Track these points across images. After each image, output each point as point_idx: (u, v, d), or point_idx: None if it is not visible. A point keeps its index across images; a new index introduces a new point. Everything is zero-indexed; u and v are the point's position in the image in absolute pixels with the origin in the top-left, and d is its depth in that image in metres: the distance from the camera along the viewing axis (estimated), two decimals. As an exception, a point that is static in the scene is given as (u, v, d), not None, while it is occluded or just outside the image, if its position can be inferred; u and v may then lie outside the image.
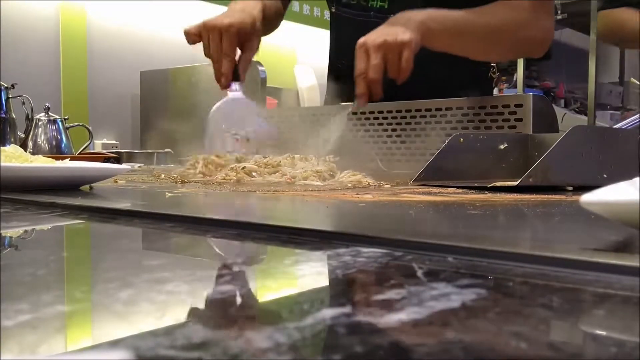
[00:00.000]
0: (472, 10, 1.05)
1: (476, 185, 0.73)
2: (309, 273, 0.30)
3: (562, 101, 4.42)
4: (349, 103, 1.14)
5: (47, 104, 1.75)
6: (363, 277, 0.28)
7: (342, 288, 0.27)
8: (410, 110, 1.12)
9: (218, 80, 1.05)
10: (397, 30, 0.94)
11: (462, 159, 0.85)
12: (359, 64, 0.94)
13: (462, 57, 1.07)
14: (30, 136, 1.70)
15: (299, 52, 3.45)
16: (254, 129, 1.11)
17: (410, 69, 0.93)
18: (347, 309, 0.22)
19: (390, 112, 1.15)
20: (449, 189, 0.73)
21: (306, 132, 1.12)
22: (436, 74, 1.09)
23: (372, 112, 1.16)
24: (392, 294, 0.24)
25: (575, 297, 0.26)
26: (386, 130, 1.15)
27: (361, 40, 0.95)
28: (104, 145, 2.32)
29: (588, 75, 3.52)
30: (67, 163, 0.75)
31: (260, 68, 1.97)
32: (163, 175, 0.97)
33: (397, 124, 1.14)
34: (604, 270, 0.27)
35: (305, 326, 0.20)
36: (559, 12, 3.83)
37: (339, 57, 1.30)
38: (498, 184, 0.73)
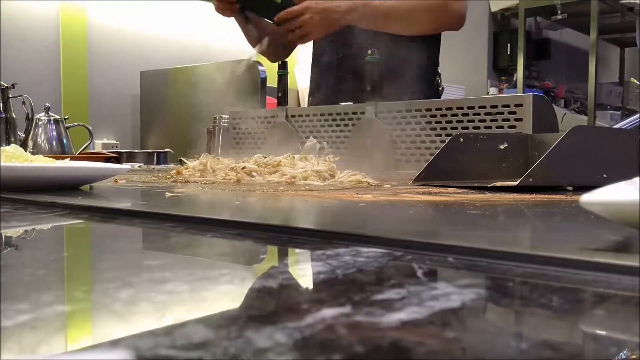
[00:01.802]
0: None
1: (476, 185, 0.73)
2: (309, 273, 0.30)
3: (562, 101, 4.42)
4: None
5: (47, 104, 1.75)
6: (363, 277, 0.28)
7: (342, 288, 0.27)
8: (410, 110, 1.12)
9: None
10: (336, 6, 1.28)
11: (462, 159, 0.85)
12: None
13: (408, 59, 1.31)
14: (30, 136, 1.70)
15: (299, 53, 3.44)
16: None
17: (306, 34, 1.27)
18: (346, 309, 0.22)
19: (390, 112, 1.15)
20: (449, 189, 0.73)
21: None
22: (381, 74, 1.22)
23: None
24: (392, 294, 0.24)
25: (575, 297, 0.26)
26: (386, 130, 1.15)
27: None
28: (104, 145, 2.32)
29: (588, 75, 3.53)
30: (67, 163, 0.75)
31: (260, 68, 1.97)
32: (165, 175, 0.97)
33: (397, 123, 1.14)
34: (604, 270, 0.27)
35: (305, 326, 0.20)
36: (559, 12, 3.83)
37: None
38: (498, 184, 0.73)
